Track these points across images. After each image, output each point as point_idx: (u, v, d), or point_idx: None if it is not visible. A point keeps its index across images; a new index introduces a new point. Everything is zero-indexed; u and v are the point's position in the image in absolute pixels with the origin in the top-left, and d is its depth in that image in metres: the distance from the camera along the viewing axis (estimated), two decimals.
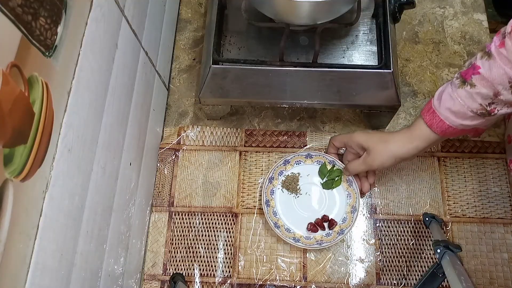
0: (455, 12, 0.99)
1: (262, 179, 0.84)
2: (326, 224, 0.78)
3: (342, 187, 0.80)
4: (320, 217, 0.78)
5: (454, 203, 0.84)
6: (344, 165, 0.78)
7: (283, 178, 0.81)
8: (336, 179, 0.79)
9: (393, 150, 0.67)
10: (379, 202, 0.84)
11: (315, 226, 0.77)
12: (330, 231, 0.77)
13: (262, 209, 0.78)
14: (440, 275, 0.66)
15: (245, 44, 0.82)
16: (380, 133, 0.73)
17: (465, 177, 0.85)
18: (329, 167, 0.80)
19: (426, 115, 0.64)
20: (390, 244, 0.81)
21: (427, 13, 1.00)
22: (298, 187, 0.80)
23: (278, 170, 0.81)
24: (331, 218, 0.78)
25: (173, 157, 0.88)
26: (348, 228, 0.76)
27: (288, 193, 0.80)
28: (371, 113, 0.83)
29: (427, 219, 0.80)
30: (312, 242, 0.76)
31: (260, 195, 0.81)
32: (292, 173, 0.81)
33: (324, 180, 0.80)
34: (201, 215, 0.84)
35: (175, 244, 0.83)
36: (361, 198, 0.82)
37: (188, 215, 0.84)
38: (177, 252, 0.82)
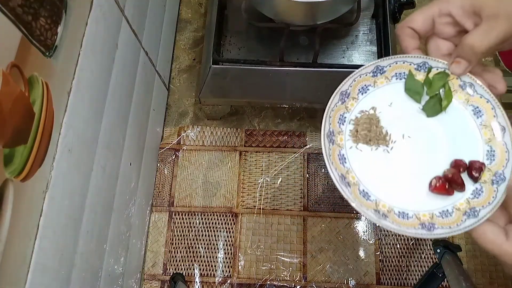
0: None
1: (262, 179, 0.84)
2: (464, 176, 0.40)
3: (457, 101, 0.43)
4: (447, 169, 0.41)
5: None
6: (444, 62, 0.42)
7: (351, 127, 0.43)
8: (442, 92, 0.43)
9: None
10: None
11: (446, 182, 0.40)
12: (479, 185, 0.40)
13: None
14: (440, 275, 0.66)
15: (245, 44, 0.82)
16: None
17: None
18: (420, 75, 0.43)
19: None
20: (390, 244, 0.81)
21: None
22: (383, 131, 0.43)
23: (336, 115, 0.44)
24: (471, 161, 0.40)
25: (173, 157, 0.88)
26: (507, 165, 0.40)
27: (372, 147, 0.43)
28: None
29: None
30: (457, 218, 0.38)
31: (261, 194, 0.81)
32: (362, 111, 0.44)
33: (423, 103, 0.43)
34: (201, 215, 0.84)
35: (175, 244, 0.83)
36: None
37: (188, 215, 0.84)
38: (177, 252, 0.82)
